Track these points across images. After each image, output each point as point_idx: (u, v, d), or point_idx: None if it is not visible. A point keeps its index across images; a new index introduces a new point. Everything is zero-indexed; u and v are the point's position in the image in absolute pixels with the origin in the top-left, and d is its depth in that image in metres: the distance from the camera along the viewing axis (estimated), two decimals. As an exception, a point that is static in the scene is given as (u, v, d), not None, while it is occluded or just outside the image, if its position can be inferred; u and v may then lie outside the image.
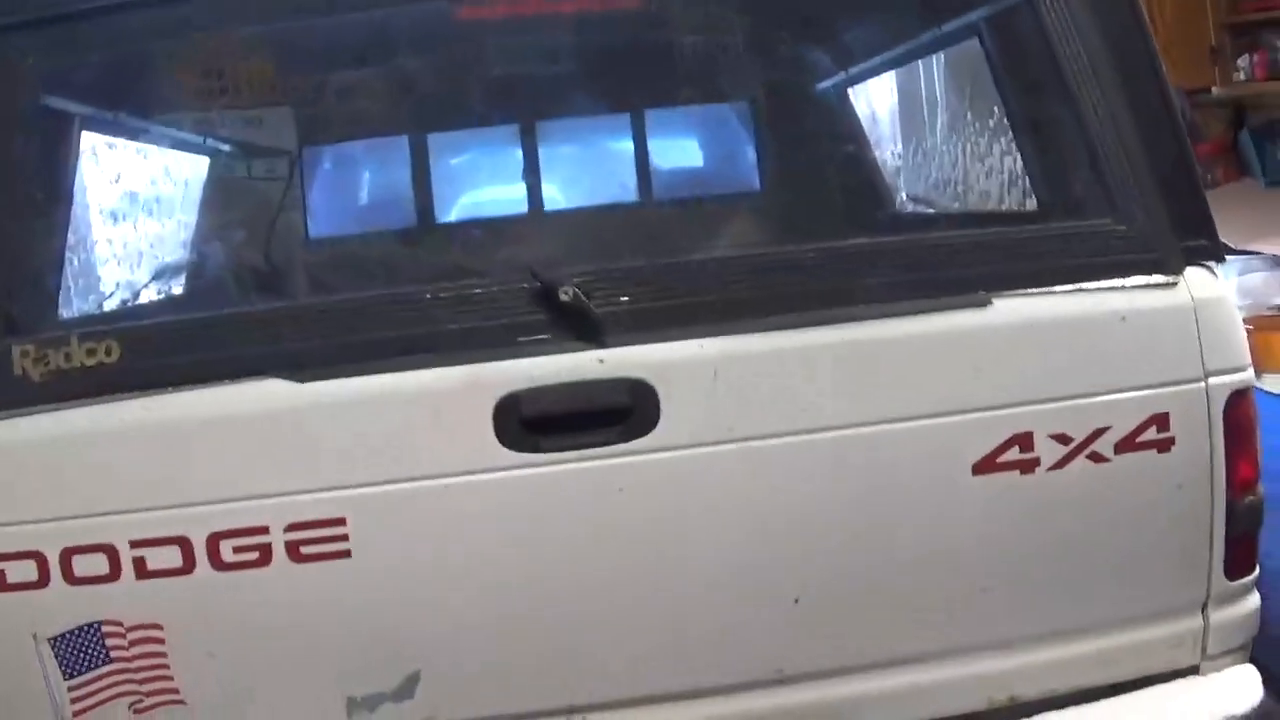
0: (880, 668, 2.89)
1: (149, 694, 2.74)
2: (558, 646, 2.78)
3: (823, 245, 2.97)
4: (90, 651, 2.71)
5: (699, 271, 2.87)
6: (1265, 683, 3.04)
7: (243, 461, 2.67)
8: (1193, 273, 2.93)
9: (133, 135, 4.26)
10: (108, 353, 2.68)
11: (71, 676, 2.72)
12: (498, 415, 2.67)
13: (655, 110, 5.19)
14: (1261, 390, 4.49)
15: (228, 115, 4.38)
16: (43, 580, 2.65)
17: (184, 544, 2.66)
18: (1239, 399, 2.93)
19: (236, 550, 2.66)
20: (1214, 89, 6.47)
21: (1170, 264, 2.91)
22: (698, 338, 2.72)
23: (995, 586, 2.88)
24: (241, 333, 2.77)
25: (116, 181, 4.32)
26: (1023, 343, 2.83)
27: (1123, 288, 2.89)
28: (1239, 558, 3.02)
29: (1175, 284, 2.90)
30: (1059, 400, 2.83)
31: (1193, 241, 2.96)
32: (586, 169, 5.35)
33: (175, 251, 4.58)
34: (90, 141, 3.88)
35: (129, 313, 4.09)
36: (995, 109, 3.98)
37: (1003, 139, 4.06)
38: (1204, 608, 3.02)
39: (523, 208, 4.98)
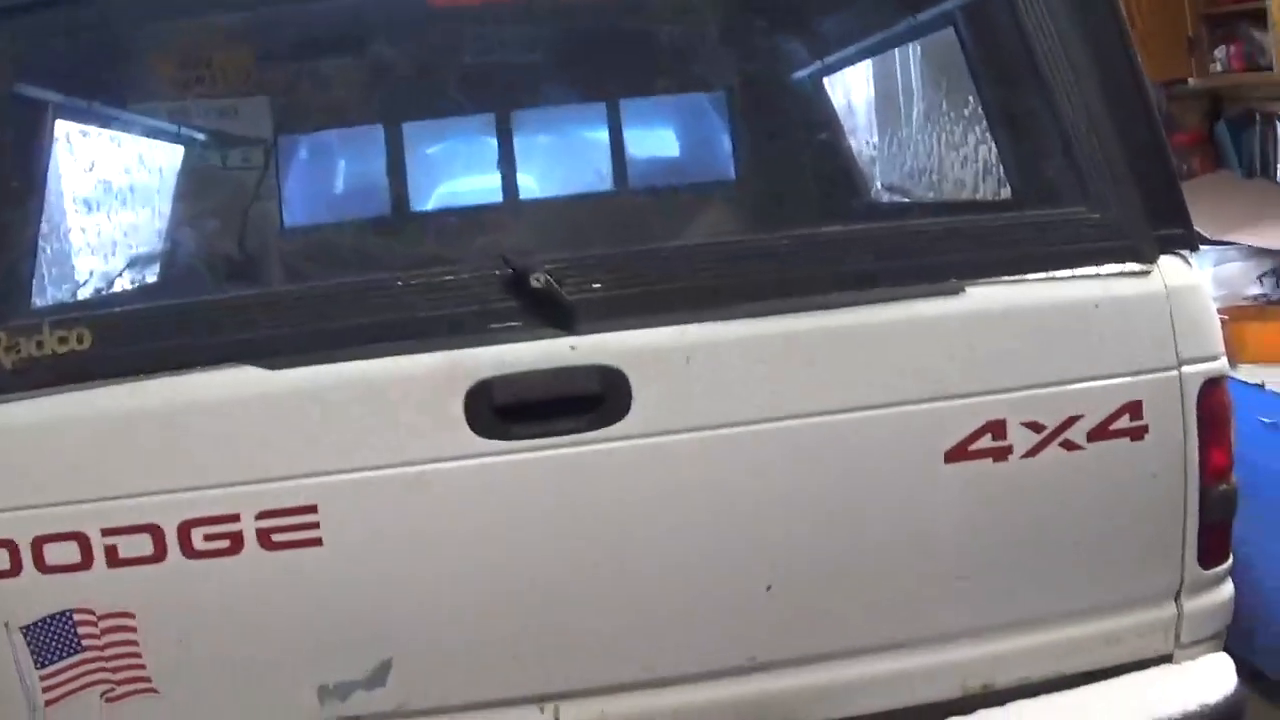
0: (853, 655, 2.89)
1: (121, 682, 2.73)
2: (529, 634, 2.78)
3: (795, 233, 2.97)
4: (62, 640, 2.71)
5: (671, 259, 2.87)
6: (1239, 671, 3.04)
7: (214, 449, 2.66)
8: (1167, 261, 2.94)
9: (107, 123, 4.25)
10: (80, 340, 2.67)
11: (43, 665, 2.71)
12: (469, 402, 2.66)
13: (630, 99, 5.18)
14: (1236, 380, 4.52)
15: (202, 104, 4.37)
16: (14, 569, 2.65)
17: (155, 532, 2.65)
18: (1212, 388, 2.93)
19: (208, 538, 2.66)
20: (1191, 80, 6.47)
21: (1144, 252, 2.92)
22: (670, 325, 2.72)
23: (969, 574, 2.88)
24: (214, 320, 2.76)
25: (90, 170, 4.31)
26: (996, 330, 2.83)
27: (1096, 276, 2.89)
28: (1212, 546, 3.02)
29: (1149, 272, 2.91)
30: (1032, 388, 2.83)
31: (1167, 230, 2.96)
32: (562, 158, 5.34)
33: (149, 240, 4.57)
34: (64, 129, 3.87)
35: (102, 301, 4.07)
36: (970, 98, 3.98)
37: (977, 128, 4.06)
38: (1177, 596, 3.03)
39: (498, 197, 4.98)
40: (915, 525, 2.85)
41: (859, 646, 2.89)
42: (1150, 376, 2.88)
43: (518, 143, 4.98)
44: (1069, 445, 2.85)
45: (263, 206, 4.51)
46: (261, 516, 2.66)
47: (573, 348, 2.68)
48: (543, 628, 2.77)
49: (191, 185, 4.63)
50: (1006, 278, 2.86)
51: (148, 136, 4.59)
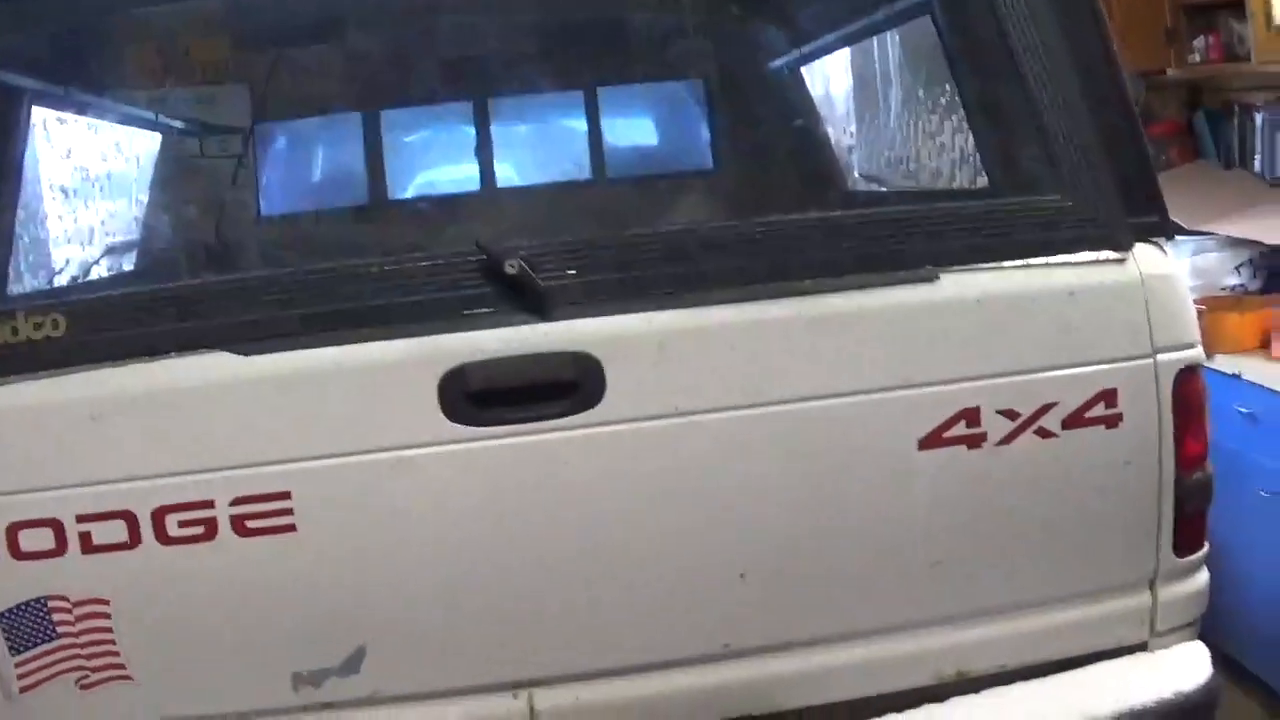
0: (828, 643, 2.89)
1: (95, 669, 2.73)
2: (504, 621, 2.78)
3: (770, 220, 2.97)
4: (37, 627, 2.70)
5: (645, 245, 2.86)
6: (1213, 660, 3.04)
7: (188, 435, 2.66)
8: (1142, 249, 2.94)
9: (84, 110, 4.24)
10: (55, 326, 2.66)
11: (18, 652, 2.71)
12: (443, 388, 2.66)
13: (609, 88, 5.18)
14: (1213, 370, 4.54)
15: (179, 92, 4.36)
16: None
17: (129, 518, 2.65)
18: (1188, 376, 2.94)
19: (182, 524, 2.65)
20: (1169, 70, 6.46)
21: (1119, 240, 2.92)
22: (644, 311, 2.72)
23: (943, 561, 2.89)
24: (188, 306, 2.75)
25: (67, 157, 4.30)
26: (970, 318, 2.83)
27: (1071, 263, 2.89)
28: (1188, 535, 3.03)
29: (1124, 260, 2.91)
30: (1006, 375, 2.84)
31: (1142, 218, 2.97)
32: (539, 147, 5.34)
33: (125, 229, 4.56)
34: (41, 116, 3.86)
35: (78, 288, 4.07)
36: (947, 87, 3.98)
37: (954, 117, 4.06)
38: (1153, 584, 3.04)
39: (475, 185, 4.97)
40: (889, 512, 2.85)
41: (833, 633, 2.89)
42: (1125, 364, 2.89)
43: (495, 131, 4.97)
44: (1043, 433, 2.86)
45: (239, 195, 4.51)
46: (236, 503, 2.65)
47: (547, 334, 2.68)
48: (517, 614, 2.77)
49: (168, 173, 4.63)
50: (981, 265, 2.86)
51: (124, 124, 4.58)
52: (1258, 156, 6.33)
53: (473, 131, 4.96)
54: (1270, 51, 5.76)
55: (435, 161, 5.28)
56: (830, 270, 2.80)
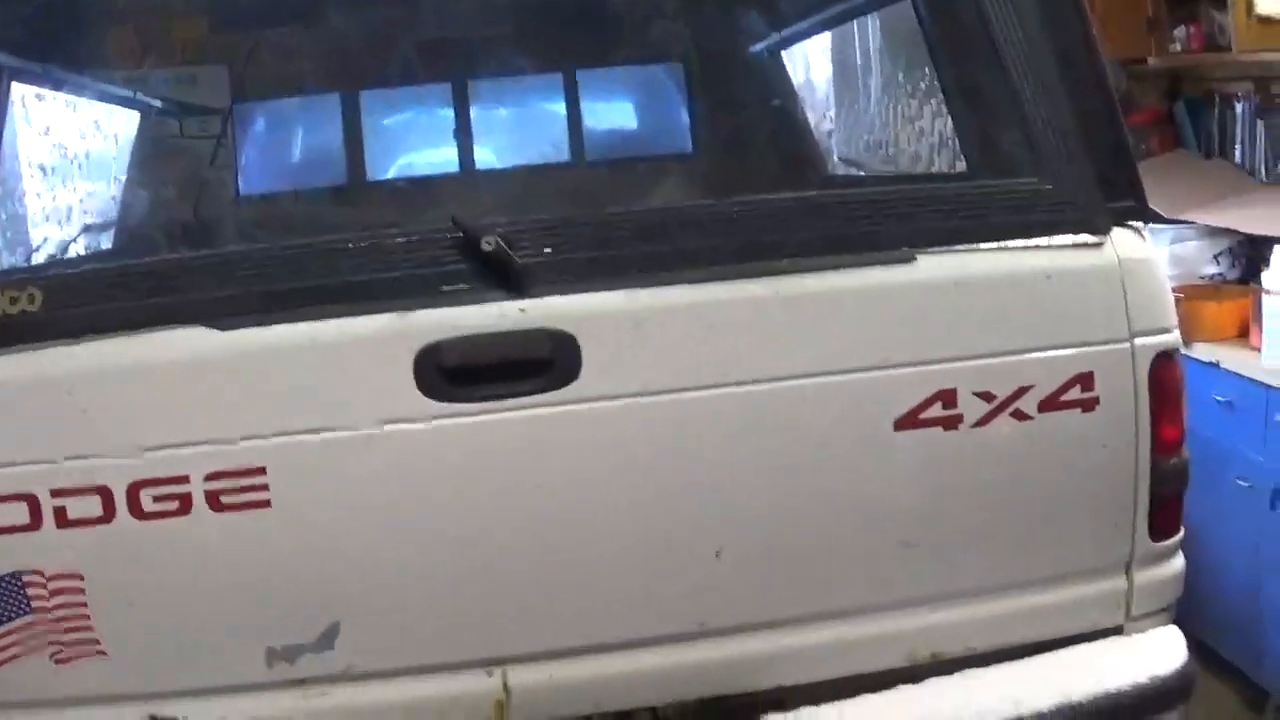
0: (802, 622, 2.89)
1: (70, 644, 2.72)
2: (478, 598, 2.77)
3: (748, 199, 2.97)
4: (11, 601, 2.70)
5: (622, 224, 2.86)
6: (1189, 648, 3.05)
7: (163, 410, 2.66)
8: (1120, 233, 2.95)
9: (63, 88, 4.23)
10: (30, 301, 2.65)
11: (-8, 626, 2.71)
12: (418, 364, 2.65)
13: (588, 71, 5.18)
14: (1190, 358, 4.55)
15: (159, 71, 4.36)
16: None
17: (104, 493, 2.64)
18: (1165, 360, 2.94)
19: (157, 500, 2.65)
20: (1150, 59, 6.46)
21: (1097, 224, 2.92)
22: (620, 290, 2.72)
23: (918, 543, 2.89)
24: (164, 281, 2.75)
25: (45, 134, 4.30)
26: (947, 299, 2.83)
27: (1049, 247, 2.90)
28: (1164, 519, 3.03)
29: (1101, 244, 2.91)
30: (983, 357, 2.84)
31: (1120, 203, 2.97)
32: (518, 129, 5.34)
33: (104, 207, 4.56)
34: (20, 93, 3.86)
35: (54, 264, 4.06)
36: (927, 71, 3.98)
37: (934, 101, 4.07)
38: (1128, 568, 3.04)
39: (454, 167, 4.97)
40: (865, 492, 2.85)
41: (808, 613, 2.89)
42: (1102, 348, 2.89)
43: (474, 113, 4.97)
44: (1019, 415, 2.86)
45: (218, 174, 4.50)
46: (210, 478, 2.65)
47: (523, 311, 2.68)
48: (491, 592, 2.77)
49: (147, 152, 4.63)
50: (958, 247, 2.86)
51: (103, 102, 4.57)
52: (1238, 146, 6.34)
53: (451, 113, 4.96)
54: (1251, 41, 5.77)
55: (414, 143, 5.28)
56: (807, 250, 2.80)
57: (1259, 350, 5.09)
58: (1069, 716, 2.88)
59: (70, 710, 2.77)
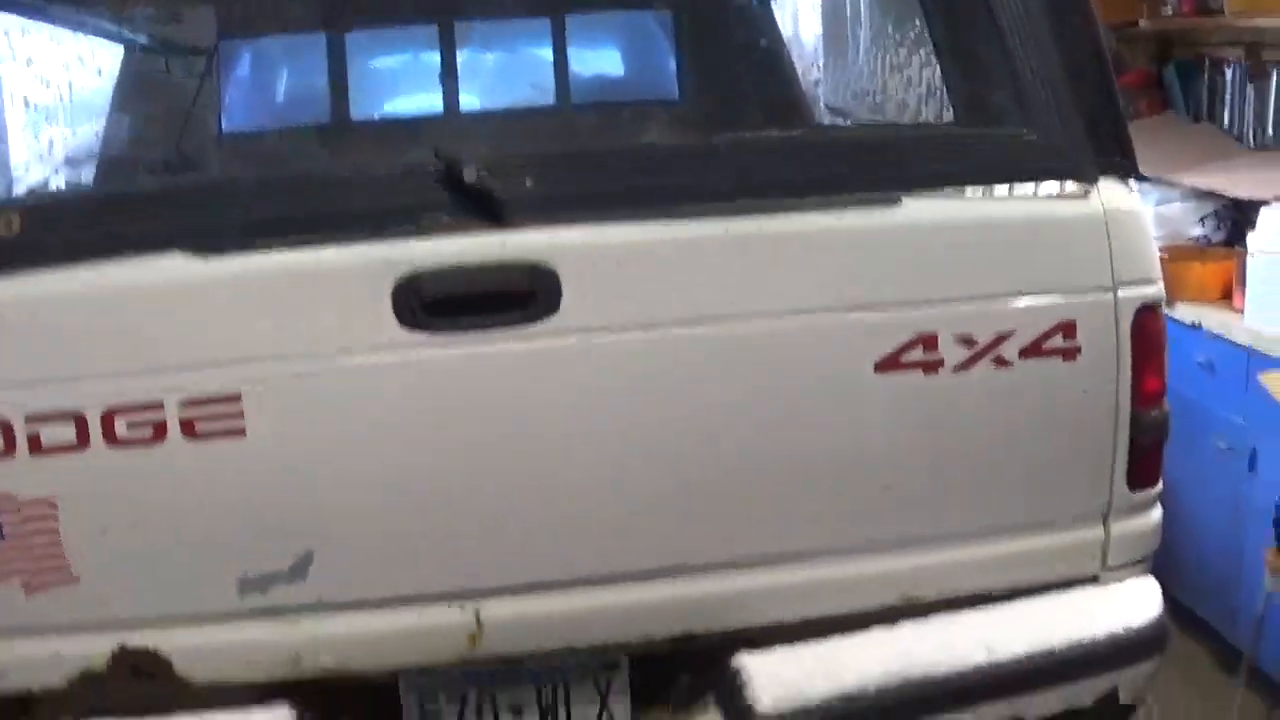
0: (777, 562, 2.89)
1: (41, 572, 2.71)
2: (452, 530, 2.77)
3: (733, 138, 2.96)
4: (-18, 528, 2.68)
5: (606, 159, 2.86)
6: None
7: (139, 336, 2.64)
8: (1106, 184, 2.94)
9: (48, 21, 4.21)
10: (8, 226, 2.64)
11: (-37, 554, 2.69)
12: (397, 295, 2.64)
13: (575, 16, 5.16)
14: (1172, 320, 4.55)
15: (146, 9, 4.33)
16: None
17: (79, 419, 2.63)
18: (1148, 312, 2.94)
19: (131, 426, 2.63)
20: (1141, 22, 6.47)
21: (1083, 174, 2.92)
22: (602, 224, 2.70)
23: (896, 486, 2.88)
24: (143, 207, 2.74)
25: (29, 67, 4.27)
26: (931, 243, 2.82)
27: (1035, 195, 2.90)
28: (1143, 470, 3.03)
29: (1088, 194, 2.91)
30: (965, 302, 2.83)
31: (1107, 154, 2.96)
32: (504, 73, 5.34)
33: (87, 143, 4.54)
34: (3, 25, 3.83)
35: (35, 194, 4.04)
36: (916, 20, 3.97)
37: (923, 51, 4.05)
38: (1106, 518, 3.04)
39: (439, 108, 4.96)
40: (844, 434, 2.84)
41: (784, 553, 2.89)
42: (1085, 297, 2.89)
43: (461, 56, 4.97)
44: (1000, 361, 2.85)
45: (202, 112, 4.49)
46: (185, 405, 2.63)
47: (504, 243, 2.66)
48: (465, 524, 2.76)
49: (132, 89, 4.60)
50: (944, 191, 2.85)
51: (89, 37, 4.55)
52: (1226, 111, 6.36)
53: (438, 55, 4.95)
54: (1243, 5, 5.77)
55: (399, 84, 5.28)
56: (792, 189, 2.78)
57: (1241, 312, 5.09)
58: (1043, 663, 2.89)
59: (41, 639, 2.76)
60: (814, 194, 2.78)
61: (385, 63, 5.23)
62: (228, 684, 2.80)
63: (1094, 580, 3.06)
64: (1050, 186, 2.91)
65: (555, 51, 5.16)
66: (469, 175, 2.62)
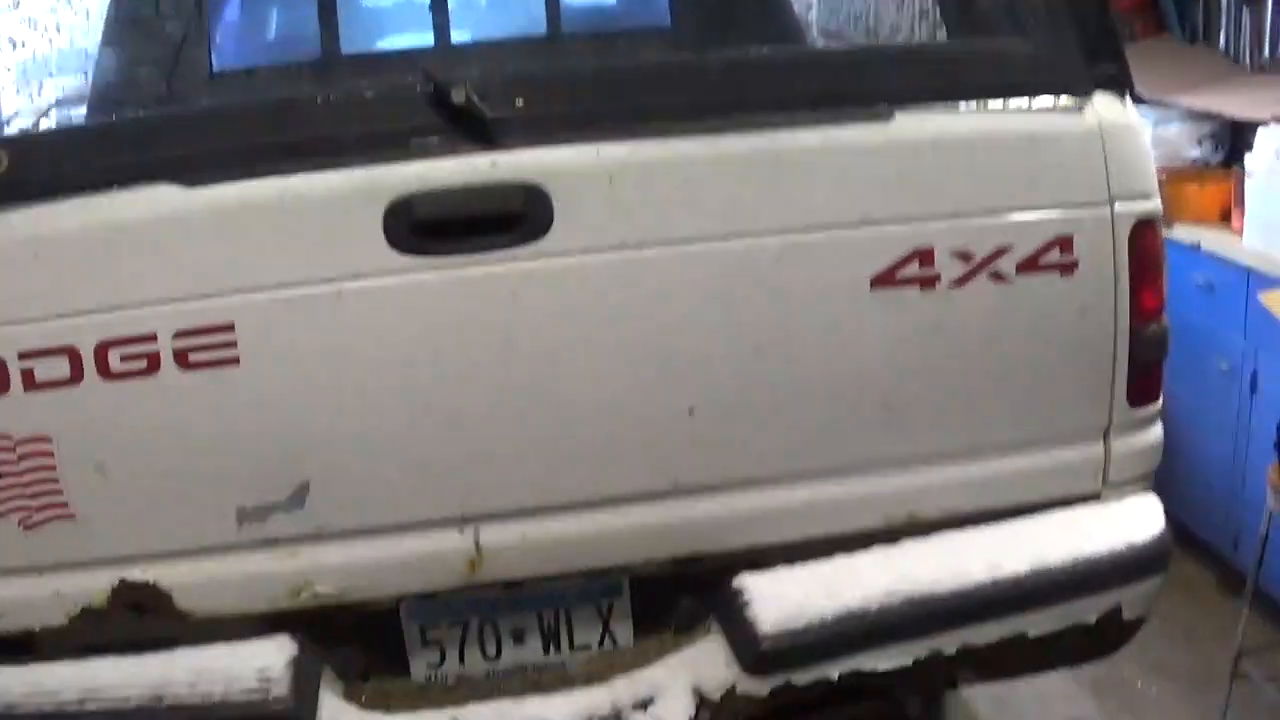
0: (777, 482, 2.88)
1: (39, 509, 2.71)
2: (448, 455, 2.76)
3: (724, 55, 2.94)
4: (-23, 467, 2.68)
5: (595, 78, 2.84)
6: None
7: (131, 268, 2.62)
8: (1101, 98, 2.91)
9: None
10: None
11: (-41, 493, 2.69)
12: (388, 218, 2.62)
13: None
14: (1171, 241, 4.54)
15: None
16: None
17: (72, 354, 2.62)
18: (1145, 227, 2.92)
19: (124, 359, 2.63)
20: (1136, -57, 6.47)
21: (1078, 87, 2.90)
22: (593, 143, 2.68)
23: (894, 403, 2.87)
24: (131, 140, 2.72)
25: (16, 8, 4.26)
26: (925, 158, 2.80)
27: (1029, 109, 2.88)
28: (1143, 386, 3.02)
29: (1082, 108, 2.88)
30: (961, 217, 2.81)
31: (1101, 68, 2.93)
32: (495, 5, 5.30)
33: (75, 83, 4.52)
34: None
35: (24, 131, 4.02)
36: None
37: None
38: (1106, 435, 3.03)
39: (429, 41, 4.93)
40: (840, 351, 2.82)
41: (783, 473, 2.88)
42: (1081, 211, 2.87)
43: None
44: (998, 276, 2.84)
45: (192, 51, 4.46)
46: (178, 336, 2.62)
47: (494, 164, 2.64)
48: (462, 449, 2.75)
49: (121, 30, 4.57)
50: (937, 106, 2.83)
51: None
52: (1222, 34, 6.31)
53: None
54: (1238, -75, 5.75)
55: (391, 19, 5.25)
56: (783, 105, 2.76)
57: (1240, 233, 5.08)
58: (1045, 580, 2.89)
59: (40, 577, 2.77)
60: (805, 110, 2.76)
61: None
62: (228, 616, 2.80)
63: (1095, 497, 3.05)
64: (1045, 101, 2.88)
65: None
66: (457, 96, 2.60)
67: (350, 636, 2.90)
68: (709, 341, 2.76)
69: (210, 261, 2.63)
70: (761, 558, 2.88)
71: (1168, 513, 3.06)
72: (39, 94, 4.37)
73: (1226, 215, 5.29)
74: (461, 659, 2.97)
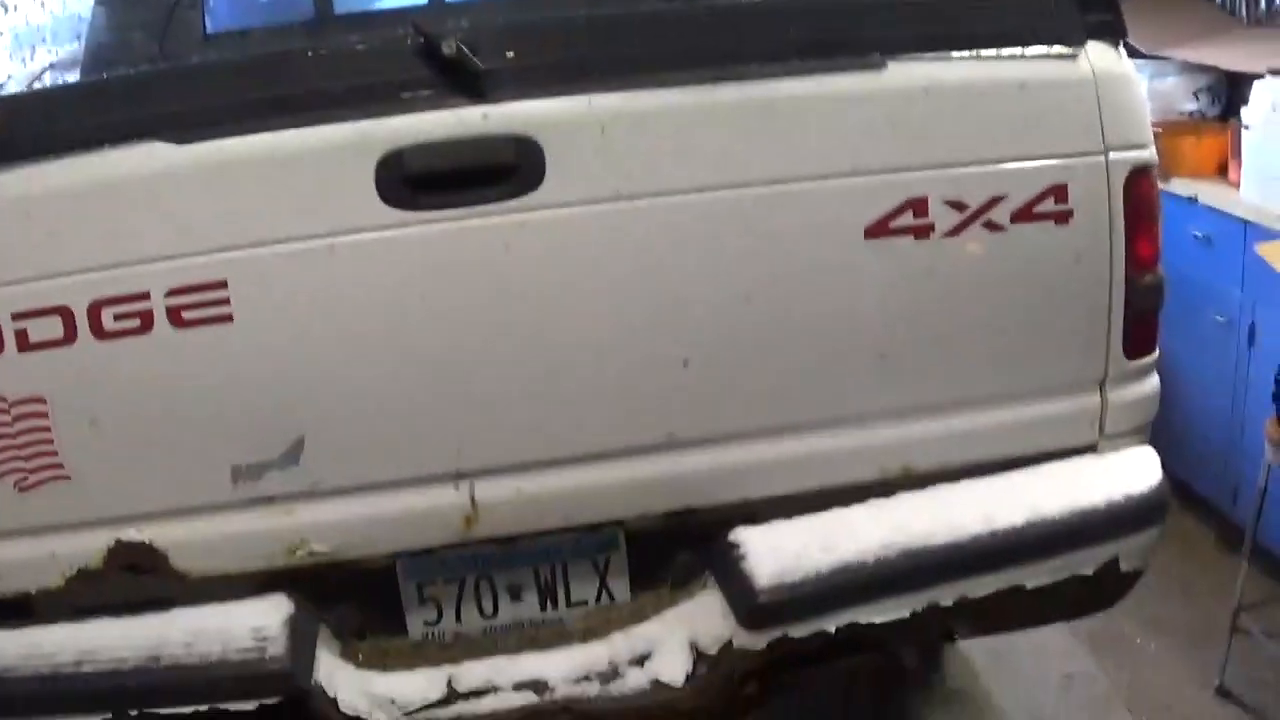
0: (772, 435, 2.88)
1: (34, 470, 2.71)
2: (443, 410, 2.75)
3: (715, 4, 2.93)
4: (-28, 429, 2.67)
5: (586, 28, 2.83)
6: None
7: (123, 226, 2.62)
8: (1095, 47, 2.90)
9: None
10: None
11: (-47, 456, 2.69)
12: (380, 172, 2.61)
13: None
14: (1168, 194, 4.53)
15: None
16: None
17: (65, 314, 2.62)
18: (1140, 176, 2.91)
19: (118, 318, 2.62)
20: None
21: (1071, 36, 2.88)
22: (585, 94, 2.67)
23: (889, 354, 2.87)
24: (121, 97, 2.72)
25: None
26: (918, 107, 2.79)
27: (1023, 57, 2.85)
28: (1138, 337, 3.01)
29: (1076, 56, 2.87)
30: (954, 166, 2.80)
31: (1095, 16, 2.91)
32: None
33: (68, 45, 4.50)
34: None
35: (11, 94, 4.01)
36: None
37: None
38: (1102, 385, 3.02)
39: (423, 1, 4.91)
40: (834, 301, 2.82)
41: (777, 425, 2.88)
42: (1076, 160, 2.86)
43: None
44: (992, 226, 2.83)
45: (186, 13, 4.43)
46: (171, 294, 2.62)
47: (485, 117, 2.64)
48: (456, 404, 2.75)
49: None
50: (929, 55, 2.82)
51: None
52: (1220, -13, 6.31)
53: None
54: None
55: None
56: (776, 55, 2.75)
57: (1237, 186, 5.08)
58: (1041, 532, 2.88)
59: (36, 539, 2.77)
60: (798, 60, 2.75)
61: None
62: (224, 576, 2.81)
63: (1092, 449, 3.04)
64: (1038, 49, 2.86)
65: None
66: (448, 49, 2.59)
67: (346, 595, 2.90)
68: (703, 293, 2.75)
69: (202, 218, 2.62)
70: (757, 511, 2.87)
71: (1165, 467, 3.05)
72: (31, 59, 4.35)
73: (1223, 168, 5.29)
74: (458, 616, 2.97)
